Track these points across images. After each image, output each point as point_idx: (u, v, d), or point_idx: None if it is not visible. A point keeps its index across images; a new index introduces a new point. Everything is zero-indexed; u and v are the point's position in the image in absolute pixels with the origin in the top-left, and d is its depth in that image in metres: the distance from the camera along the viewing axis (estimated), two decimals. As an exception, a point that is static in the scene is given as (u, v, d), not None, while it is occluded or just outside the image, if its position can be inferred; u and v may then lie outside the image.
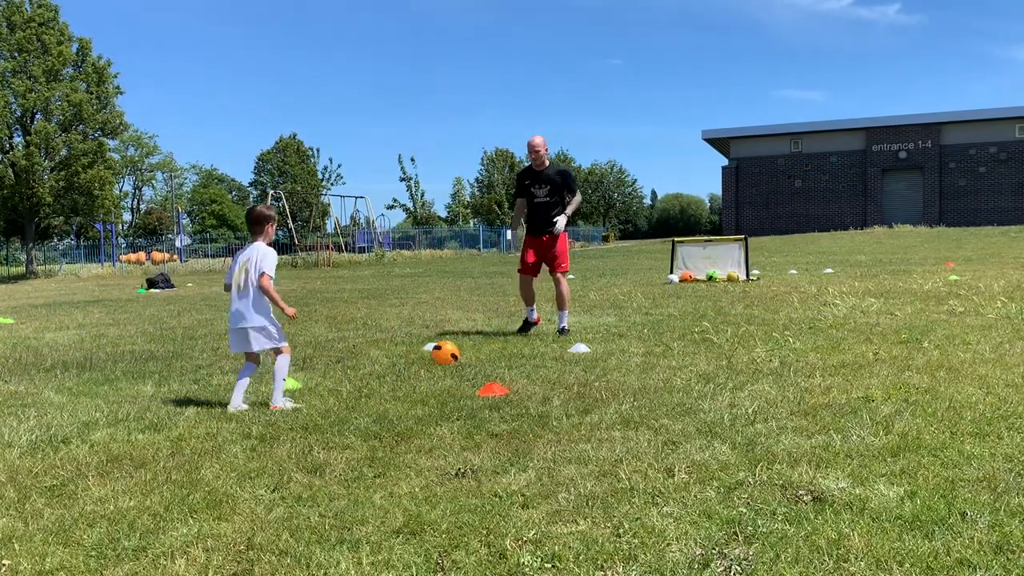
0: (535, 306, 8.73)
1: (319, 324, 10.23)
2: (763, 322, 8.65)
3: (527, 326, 8.62)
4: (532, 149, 8.37)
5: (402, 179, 71.95)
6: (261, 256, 5.26)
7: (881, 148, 46.93)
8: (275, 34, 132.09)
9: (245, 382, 5.27)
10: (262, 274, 5.21)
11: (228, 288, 5.38)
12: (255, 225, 5.41)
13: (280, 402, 5.17)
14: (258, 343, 5.25)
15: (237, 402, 5.17)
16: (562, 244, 8.46)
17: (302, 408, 5.08)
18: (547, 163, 8.47)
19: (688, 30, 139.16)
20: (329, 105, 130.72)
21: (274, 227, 5.51)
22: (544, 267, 8.64)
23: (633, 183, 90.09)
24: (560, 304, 8.48)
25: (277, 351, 5.31)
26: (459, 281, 19.50)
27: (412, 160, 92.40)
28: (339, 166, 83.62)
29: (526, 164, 8.63)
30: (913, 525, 2.84)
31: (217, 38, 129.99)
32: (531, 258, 8.50)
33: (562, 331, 8.37)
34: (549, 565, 2.65)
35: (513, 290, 15.27)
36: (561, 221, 8.32)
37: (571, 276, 19.22)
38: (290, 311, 5.27)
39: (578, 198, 8.56)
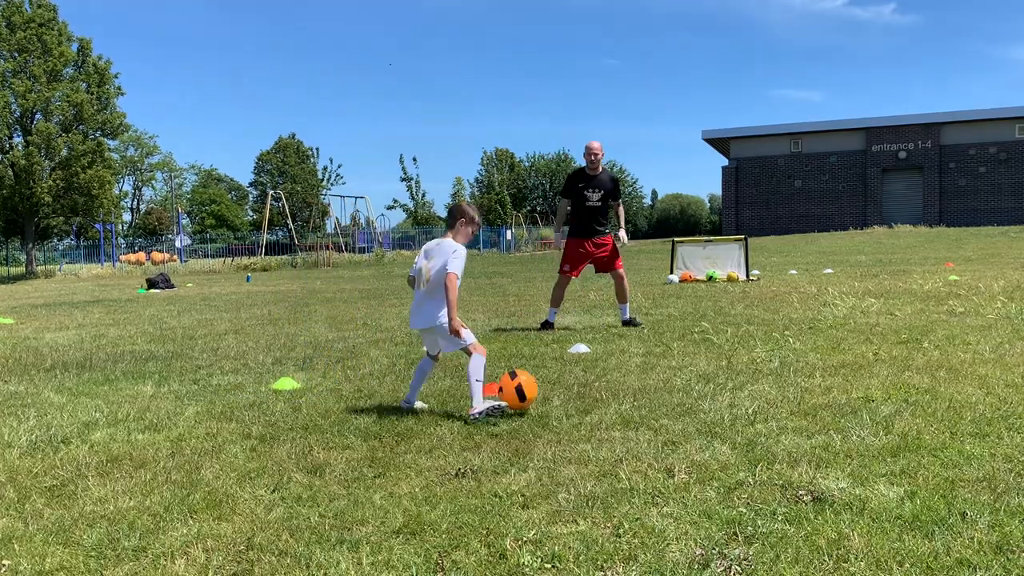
0: (558, 311, 8.93)
1: (319, 324, 10.23)
2: (763, 322, 8.65)
3: (548, 326, 8.74)
4: (592, 152, 8.63)
5: (403, 179, 71.88)
6: (452, 252, 4.83)
7: (881, 148, 46.93)
8: (275, 34, 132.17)
9: (422, 376, 5.04)
10: (449, 272, 4.78)
11: (412, 283, 4.98)
12: (448, 218, 5.07)
13: (482, 404, 4.66)
14: (452, 344, 4.87)
15: (414, 398, 4.99)
16: (614, 246, 8.89)
17: (504, 407, 4.67)
18: (601, 168, 8.73)
19: (685, 30, 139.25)
20: (329, 105, 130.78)
21: (468, 228, 5.01)
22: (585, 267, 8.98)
23: (633, 183, 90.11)
24: (623, 298, 8.85)
25: (467, 351, 4.85)
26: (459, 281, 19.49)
27: (414, 160, 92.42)
28: (339, 166, 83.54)
29: (582, 166, 8.88)
30: (913, 525, 2.84)
31: (217, 38, 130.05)
32: (578, 260, 8.76)
33: (631, 322, 8.72)
34: (549, 565, 2.65)
35: (513, 291, 15.26)
36: (623, 235, 8.92)
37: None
38: (457, 323, 4.78)
39: (622, 207, 9.08)
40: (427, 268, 4.85)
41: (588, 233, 8.68)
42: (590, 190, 8.60)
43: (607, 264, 8.82)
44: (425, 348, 5.13)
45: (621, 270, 8.83)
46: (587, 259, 8.76)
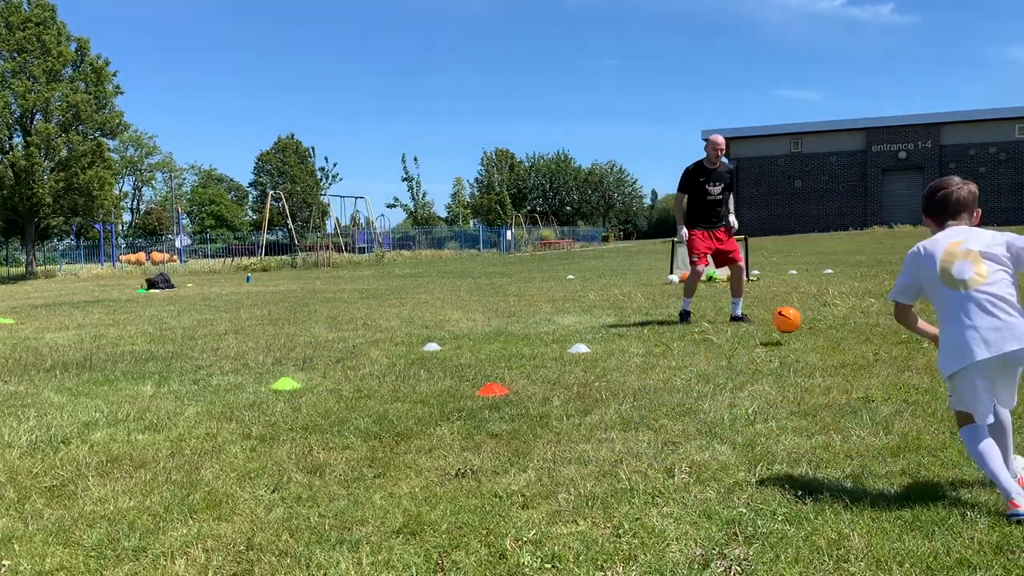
0: (691, 300, 9.15)
1: (319, 324, 10.24)
2: (763, 322, 8.65)
3: (687, 315, 8.98)
4: (716, 146, 8.79)
5: (404, 179, 71.80)
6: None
7: (881, 148, 46.94)
8: (275, 34, 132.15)
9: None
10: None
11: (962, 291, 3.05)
12: (968, 206, 3.24)
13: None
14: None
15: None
16: (734, 239, 9.10)
17: None
18: (719, 162, 8.93)
19: (684, 30, 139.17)
20: (329, 105, 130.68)
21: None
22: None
23: (633, 183, 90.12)
24: (738, 292, 8.95)
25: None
26: (459, 281, 19.50)
27: (415, 160, 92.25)
28: (335, 164, 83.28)
29: (700, 160, 9.02)
30: (913, 525, 2.84)
31: (217, 38, 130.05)
32: (708, 251, 8.94)
33: (742, 318, 8.78)
34: (549, 565, 2.65)
35: (513, 291, 15.25)
36: (734, 220, 9.00)
37: (571, 276, 19.22)
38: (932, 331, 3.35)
39: (733, 198, 9.23)
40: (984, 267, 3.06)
41: (715, 225, 8.90)
42: (711, 184, 8.85)
43: (727, 257, 8.97)
44: (986, 409, 3.06)
45: (740, 264, 9.00)
46: (714, 249, 8.96)
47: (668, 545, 2.76)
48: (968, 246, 3.11)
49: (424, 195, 72.01)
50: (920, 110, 63.09)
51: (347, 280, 22.37)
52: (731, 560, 2.63)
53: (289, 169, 71.99)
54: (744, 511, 3.04)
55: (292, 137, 73.89)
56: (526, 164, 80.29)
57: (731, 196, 9.10)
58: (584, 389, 5.42)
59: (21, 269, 39.35)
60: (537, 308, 11.24)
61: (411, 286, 18.33)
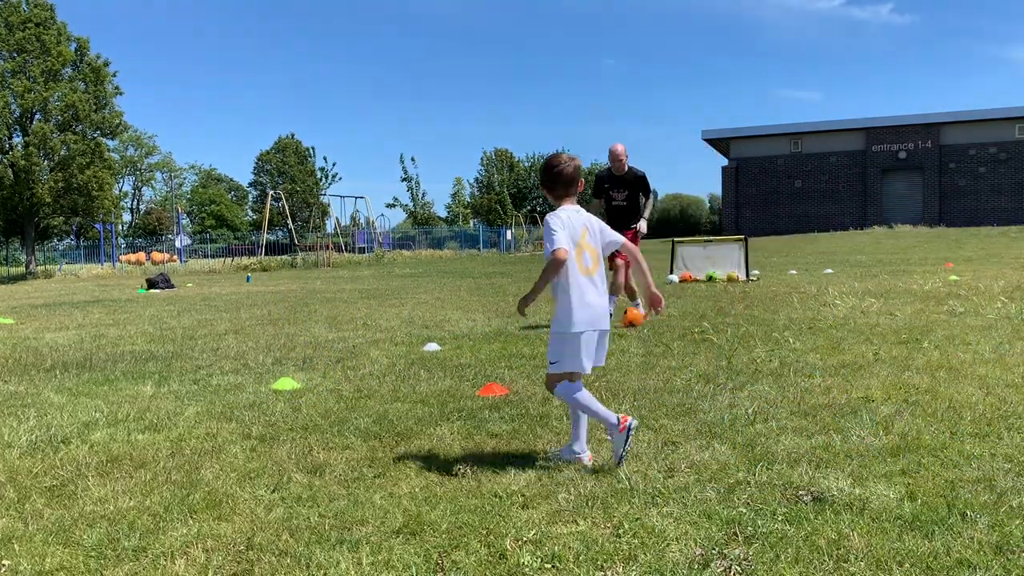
0: (616, 298, 9.12)
1: (319, 324, 10.24)
2: (763, 322, 8.65)
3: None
4: (616, 157, 9.01)
5: (404, 179, 71.80)
6: (600, 223, 3.85)
7: (881, 148, 46.95)
8: (275, 33, 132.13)
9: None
10: (622, 242, 3.89)
11: (559, 264, 3.62)
12: (572, 184, 3.80)
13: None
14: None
15: (582, 446, 3.79)
16: (636, 244, 9.03)
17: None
18: (626, 168, 9.07)
19: (684, 30, 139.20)
20: (329, 105, 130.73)
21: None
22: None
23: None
24: (615, 291, 9.06)
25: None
26: (459, 281, 19.50)
27: (413, 160, 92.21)
28: (334, 164, 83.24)
29: (609, 167, 9.28)
30: (913, 525, 2.84)
31: (217, 37, 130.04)
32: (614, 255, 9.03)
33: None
34: (549, 565, 2.65)
35: (513, 291, 15.26)
36: (643, 226, 9.06)
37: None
38: (658, 293, 3.92)
39: (652, 198, 9.34)
40: (585, 253, 3.72)
41: (617, 231, 8.82)
42: (615, 190, 9.02)
43: (612, 260, 9.03)
44: (591, 365, 3.76)
45: (620, 266, 9.01)
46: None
47: (668, 545, 2.76)
48: (587, 227, 3.73)
49: (424, 195, 71.97)
50: (920, 110, 63.11)
51: (347, 280, 22.36)
52: (731, 560, 2.63)
53: (289, 169, 71.98)
54: (744, 511, 3.04)
55: (292, 137, 73.91)
56: (526, 164, 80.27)
57: (648, 201, 9.17)
58: (584, 389, 5.42)
59: (21, 269, 39.37)
60: (537, 308, 11.24)
61: (411, 286, 18.33)
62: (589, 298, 3.66)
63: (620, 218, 9.04)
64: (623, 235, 8.60)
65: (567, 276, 3.64)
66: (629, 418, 3.61)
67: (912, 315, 8.84)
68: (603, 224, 3.85)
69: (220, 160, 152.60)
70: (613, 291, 8.97)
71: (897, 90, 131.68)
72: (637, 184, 9.06)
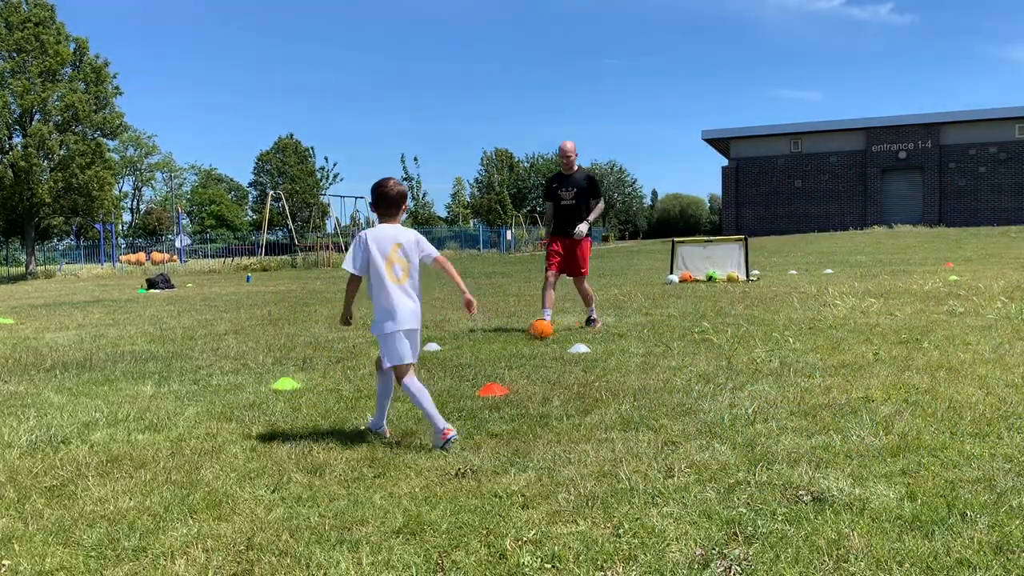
0: (551, 311, 8.82)
1: (319, 324, 10.23)
2: (763, 322, 8.65)
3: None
4: (564, 154, 8.66)
5: (404, 179, 71.81)
6: (416, 238, 4.34)
7: (881, 148, 46.95)
8: (274, 33, 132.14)
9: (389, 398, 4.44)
10: (435, 257, 4.34)
11: (356, 280, 4.33)
12: (393, 206, 4.33)
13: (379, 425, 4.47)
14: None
15: (382, 422, 4.45)
16: (584, 249, 8.76)
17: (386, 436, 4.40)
18: (576, 168, 8.75)
19: (684, 30, 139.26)
20: (329, 105, 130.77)
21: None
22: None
23: (633, 183, 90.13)
24: (586, 302, 8.90)
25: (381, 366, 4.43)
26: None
27: (415, 160, 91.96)
28: (335, 164, 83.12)
29: (548, 167, 9.01)
30: (913, 525, 2.84)
31: (217, 38, 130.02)
32: (556, 257, 8.77)
33: (590, 321, 8.84)
34: (549, 565, 2.65)
35: (513, 291, 15.27)
36: (582, 226, 8.62)
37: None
38: (470, 296, 4.42)
39: (601, 204, 8.95)
40: (392, 264, 4.26)
41: (565, 232, 8.69)
42: (563, 190, 8.67)
43: (571, 268, 8.73)
44: (410, 358, 4.28)
45: (579, 278, 8.73)
46: (564, 256, 8.72)
47: (668, 545, 2.76)
48: (399, 242, 4.25)
49: (424, 195, 71.93)
50: (920, 110, 63.16)
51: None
52: (731, 560, 2.63)
53: (289, 169, 71.96)
54: (744, 511, 3.04)
55: (292, 137, 73.87)
56: (526, 164, 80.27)
57: (596, 202, 8.78)
58: (584, 389, 5.42)
59: (21, 269, 39.36)
60: (537, 308, 11.24)
61: (411, 286, 18.30)
62: (397, 303, 4.21)
63: (568, 218, 8.62)
64: (564, 240, 8.60)
65: (379, 286, 4.22)
66: (452, 432, 4.09)
67: (912, 315, 8.84)
68: (421, 239, 4.36)
69: (220, 160, 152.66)
70: (586, 302, 8.88)
71: (897, 90, 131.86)
72: (587, 185, 8.66)
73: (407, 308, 4.23)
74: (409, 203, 70.75)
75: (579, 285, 8.78)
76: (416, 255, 4.31)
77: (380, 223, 4.36)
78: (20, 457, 4.15)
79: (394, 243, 4.25)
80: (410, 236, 4.33)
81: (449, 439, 4.05)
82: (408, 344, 4.24)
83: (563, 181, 8.72)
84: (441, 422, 4.09)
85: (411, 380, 4.23)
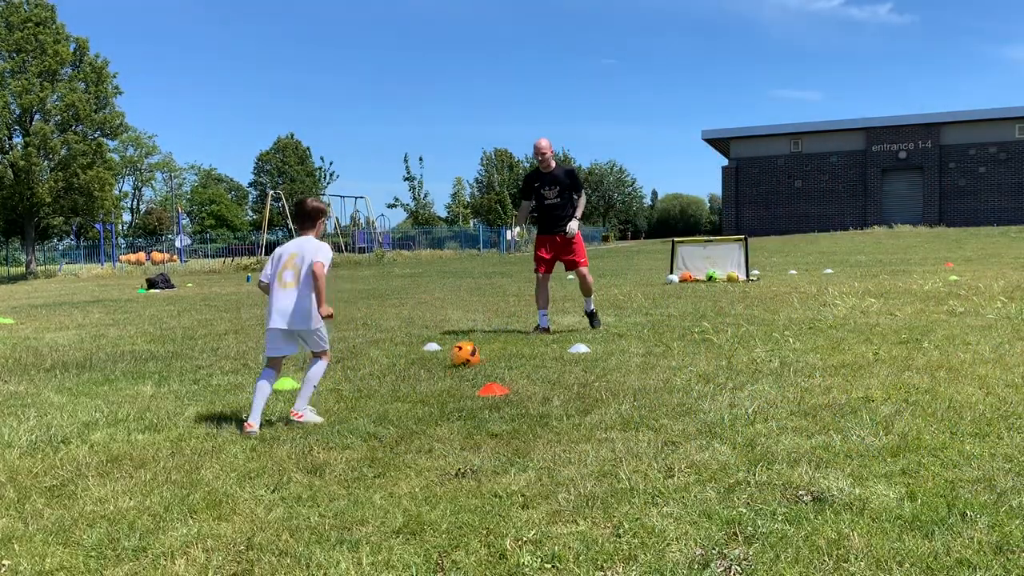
0: (547, 311, 8.77)
1: (319, 324, 10.23)
2: (763, 322, 8.65)
3: (544, 331, 8.60)
4: (539, 152, 8.51)
5: (406, 178, 71.61)
6: (315, 247, 4.78)
7: (881, 148, 46.94)
8: (274, 33, 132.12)
9: (267, 394, 4.75)
10: (316, 262, 4.69)
11: (265, 288, 4.84)
12: (307, 220, 4.89)
13: (304, 411, 4.78)
14: (314, 343, 4.85)
15: (257, 419, 4.62)
16: (578, 241, 8.71)
17: (323, 422, 4.72)
18: (553, 164, 8.63)
19: (683, 30, 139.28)
20: (329, 105, 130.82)
21: (325, 222, 5.07)
22: (556, 264, 8.86)
23: (633, 183, 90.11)
24: (586, 292, 8.81)
25: (317, 354, 4.89)
26: (459, 281, 19.50)
27: (420, 160, 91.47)
28: (331, 164, 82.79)
29: (532, 165, 8.87)
30: (913, 525, 2.84)
31: (217, 38, 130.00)
32: (545, 256, 8.70)
33: (592, 318, 8.78)
34: (549, 565, 2.65)
35: (513, 290, 15.27)
36: (573, 225, 8.58)
37: (571, 276, 19.20)
38: (327, 310, 4.77)
39: (584, 198, 8.86)
40: (285, 270, 4.76)
41: (552, 230, 8.65)
42: (545, 188, 8.58)
43: (568, 262, 8.70)
44: (281, 354, 4.83)
45: (581, 269, 8.66)
46: (553, 255, 8.68)
47: (668, 545, 2.76)
48: (297, 252, 4.77)
49: (426, 195, 71.82)
50: (920, 110, 63.14)
51: (347, 280, 22.36)
52: (731, 560, 2.63)
53: (289, 169, 71.92)
54: (744, 511, 3.04)
55: (292, 137, 73.81)
56: (526, 164, 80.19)
57: (580, 198, 8.69)
58: (584, 389, 5.42)
59: (21, 269, 39.36)
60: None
61: (411, 286, 18.33)
62: (279, 305, 4.73)
63: (554, 217, 8.58)
64: (553, 238, 8.57)
65: (272, 289, 4.78)
66: (253, 428, 4.50)
67: (912, 315, 8.84)
68: (321, 248, 4.78)
69: (220, 160, 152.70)
70: (585, 294, 8.80)
71: (897, 90, 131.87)
72: (569, 180, 8.58)
73: (280, 310, 4.72)
74: (411, 203, 70.88)
75: (583, 277, 8.70)
76: (308, 264, 4.73)
77: (296, 235, 4.97)
78: (20, 457, 4.15)
79: (292, 252, 4.81)
80: (308, 246, 4.80)
81: (248, 433, 4.47)
82: (278, 341, 4.79)
83: (544, 179, 8.59)
84: (257, 417, 4.57)
85: (266, 372, 4.77)
